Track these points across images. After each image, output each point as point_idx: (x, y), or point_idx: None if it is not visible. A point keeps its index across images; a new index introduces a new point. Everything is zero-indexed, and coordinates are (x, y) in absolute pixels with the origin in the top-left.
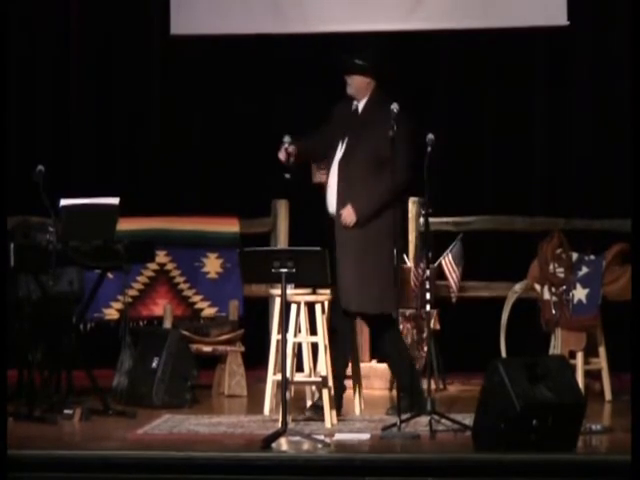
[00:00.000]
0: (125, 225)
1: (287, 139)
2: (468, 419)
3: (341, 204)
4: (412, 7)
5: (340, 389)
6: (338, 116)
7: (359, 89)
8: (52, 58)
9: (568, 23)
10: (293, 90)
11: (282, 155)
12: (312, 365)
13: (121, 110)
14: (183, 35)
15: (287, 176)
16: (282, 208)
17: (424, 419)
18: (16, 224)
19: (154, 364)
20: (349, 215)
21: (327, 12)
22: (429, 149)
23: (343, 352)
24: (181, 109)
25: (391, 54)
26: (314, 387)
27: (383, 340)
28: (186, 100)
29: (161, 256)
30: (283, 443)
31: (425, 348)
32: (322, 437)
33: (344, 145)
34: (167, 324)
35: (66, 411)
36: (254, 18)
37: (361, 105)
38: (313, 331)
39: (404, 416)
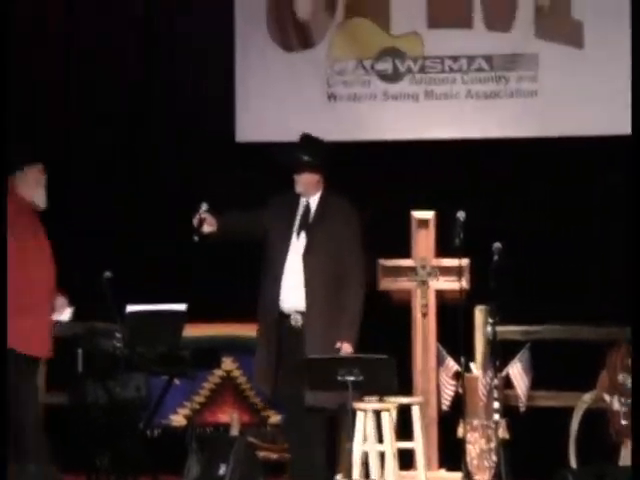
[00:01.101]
0: (191, 331)
1: (204, 207)
2: None
3: (310, 302)
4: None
5: None
6: (280, 208)
7: (309, 186)
8: (116, 159)
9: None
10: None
11: (195, 221)
12: (379, 473)
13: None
14: (248, 142)
15: (195, 239)
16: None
17: None
18: (83, 330)
19: (221, 471)
20: (349, 349)
21: (397, 120)
22: (495, 257)
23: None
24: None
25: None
26: None
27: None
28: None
29: (227, 362)
30: None
31: (494, 458)
32: None
33: (304, 240)
34: (234, 430)
35: None
36: (317, 126)
37: (313, 201)
38: (380, 439)
39: None
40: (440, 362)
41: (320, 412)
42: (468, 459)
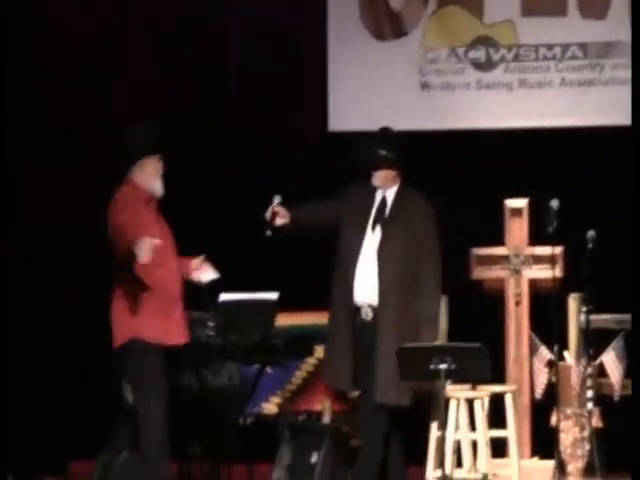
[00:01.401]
0: (283, 320)
1: (277, 200)
2: None
3: (383, 296)
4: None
5: None
6: (356, 200)
7: (386, 180)
8: (210, 150)
9: None
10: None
11: (268, 214)
12: (472, 461)
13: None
14: (340, 131)
15: (268, 233)
16: (441, 304)
17: None
18: None
19: (313, 459)
20: None
21: (491, 109)
22: (590, 245)
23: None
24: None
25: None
26: None
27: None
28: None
29: (319, 351)
30: None
31: (587, 446)
32: None
33: (379, 235)
34: (326, 419)
35: None
36: (410, 115)
37: (389, 195)
38: (473, 427)
39: None
40: (533, 350)
41: (390, 409)
42: (561, 448)
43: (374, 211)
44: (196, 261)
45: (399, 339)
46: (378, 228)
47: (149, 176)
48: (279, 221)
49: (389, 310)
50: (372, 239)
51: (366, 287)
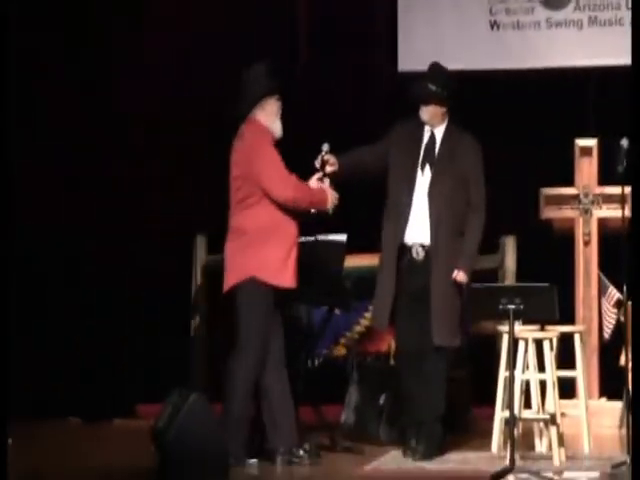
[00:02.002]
0: (353, 261)
1: (326, 147)
2: None
3: (435, 236)
4: None
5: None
6: (404, 140)
7: (435, 117)
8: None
9: None
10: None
11: (317, 162)
12: (540, 402)
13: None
14: (411, 71)
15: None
16: (510, 245)
17: None
18: None
19: (381, 400)
20: (464, 278)
21: (561, 48)
22: None
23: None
24: None
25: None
26: (542, 424)
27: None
28: None
29: None
30: None
31: None
32: (550, 475)
33: (429, 174)
34: (394, 360)
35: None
36: (480, 54)
37: (438, 133)
38: (541, 368)
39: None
40: (602, 290)
41: (444, 350)
42: (630, 387)
43: (423, 150)
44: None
45: (449, 277)
46: (428, 167)
47: (270, 115)
48: (329, 169)
49: (441, 249)
50: (422, 178)
51: (418, 226)
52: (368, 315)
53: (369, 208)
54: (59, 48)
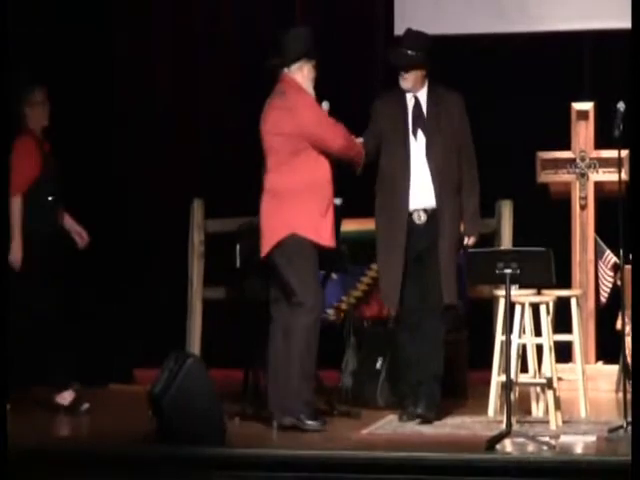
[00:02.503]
0: (349, 226)
1: (325, 105)
2: None
3: (440, 198)
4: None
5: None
6: (388, 111)
7: (416, 82)
8: None
9: None
10: (514, 91)
11: None
12: (537, 366)
13: (345, 110)
14: None
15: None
16: (506, 209)
17: None
18: (242, 225)
19: (378, 365)
20: (473, 242)
21: (556, 11)
22: None
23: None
24: None
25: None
26: (538, 388)
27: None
28: None
29: None
30: (507, 445)
31: None
32: (547, 439)
33: (423, 138)
34: (391, 325)
35: None
36: (476, 18)
37: (421, 96)
38: (538, 332)
39: (631, 418)
40: (599, 254)
41: (445, 311)
42: (626, 351)
43: (411, 116)
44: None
45: (455, 240)
46: (420, 132)
47: (306, 80)
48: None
49: (446, 210)
50: (416, 144)
51: (418, 191)
52: (365, 279)
53: (363, 173)
54: None
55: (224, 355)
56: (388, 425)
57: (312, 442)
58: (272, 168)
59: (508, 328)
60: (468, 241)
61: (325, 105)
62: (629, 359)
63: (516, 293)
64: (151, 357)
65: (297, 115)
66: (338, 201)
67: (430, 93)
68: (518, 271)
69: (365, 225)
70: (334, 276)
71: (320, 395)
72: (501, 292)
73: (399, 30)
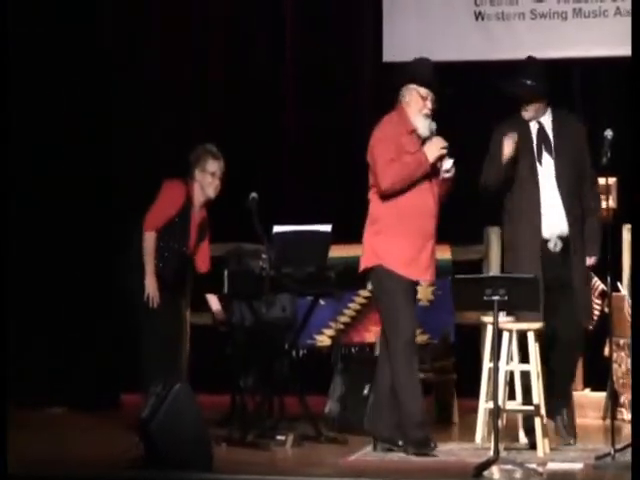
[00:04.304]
0: (338, 252)
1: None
2: None
3: (573, 225)
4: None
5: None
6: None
7: (539, 111)
8: (264, 84)
9: None
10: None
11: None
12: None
13: (334, 136)
14: (395, 62)
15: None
16: (494, 235)
17: None
18: (230, 251)
19: (366, 391)
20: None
21: (545, 39)
22: None
23: None
24: None
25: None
26: None
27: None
28: None
29: None
30: (495, 471)
31: None
32: (534, 466)
33: (550, 164)
34: (379, 351)
35: (278, 437)
36: (466, 45)
37: (546, 121)
38: (525, 359)
39: (618, 445)
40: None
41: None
42: (614, 378)
43: (535, 142)
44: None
45: (585, 264)
46: (547, 157)
47: (410, 107)
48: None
49: (578, 236)
50: (542, 169)
51: (555, 219)
52: (353, 305)
53: (353, 199)
54: None
55: (211, 380)
56: (375, 451)
57: (300, 468)
58: (370, 194)
59: (496, 355)
60: (590, 261)
61: (432, 125)
62: (616, 386)
63: (503, 320)
64: (138, 382)
65: (370, 149)
66: (327, 227)
67: (555, 118)
68: (506, 298)
69: (352, 251)
70: (322, 302)
71: (307, 421)
72: (488, 319)
73: (388, 56)
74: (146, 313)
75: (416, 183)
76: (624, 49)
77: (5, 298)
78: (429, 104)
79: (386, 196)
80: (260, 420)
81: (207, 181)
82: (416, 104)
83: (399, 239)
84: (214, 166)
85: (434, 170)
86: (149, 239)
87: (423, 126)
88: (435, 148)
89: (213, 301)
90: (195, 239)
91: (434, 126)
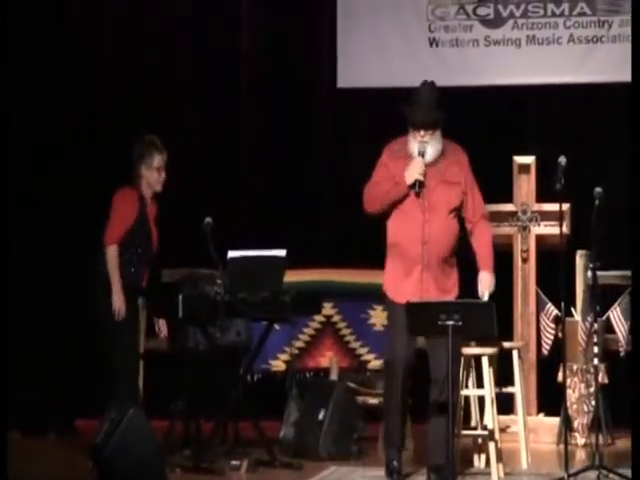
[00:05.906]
0: (292, 277)
1: None
2: None
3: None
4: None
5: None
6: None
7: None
8: (223, 106)
9: None
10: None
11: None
12: (479, 418)
13: (288, 161)
14: (349, 88)
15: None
16: None
17: (592, 474)
18: (184, 275)
19: (320, 416)
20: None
21: (499, 66)
22: (597, 202)
23: None
24: (347, 160)
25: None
26: (480, 440)
27: None
28: (353, 151)
29: (327, 308)
30: None
31: (593, 402)
32: None
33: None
34: (333, 376)
35: (233, 462)
36: (420, 71)
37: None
38: (480, 384)
39: (572, 470)
40: (540, 307)
41: None
42: (567, 404)
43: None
44: None
45: None
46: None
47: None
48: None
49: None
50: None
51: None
52: (308, 330)
53: (307, 224)
54: None
55: (165, 406)
56: (330, 476)
57: None
58: None
59: (450, 380)
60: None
61: (421, 147)
62: (570, 411)
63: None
64: (92, 407)
65: None
66: (282, 252)
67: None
68: (460, 323)
69: (308, 276)
70: (277, 327)
71: (261, 446)
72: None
73: (343, 82)
74: (115, 330)
75: (406, 209)
76: (578, 76)
77: (5, 298)
78: (422, 133)
79: (371, 217)
80: (215, 445)
81: (154, 178)
82: (414, 137)
83: (389, 264)
84: (159, 161)
85: (421, 196)
86: (112, 252)
87: (414, 148)
88: (414, 169)
89: (162, 326)
90: (156, 233)
91: (423, 148)
